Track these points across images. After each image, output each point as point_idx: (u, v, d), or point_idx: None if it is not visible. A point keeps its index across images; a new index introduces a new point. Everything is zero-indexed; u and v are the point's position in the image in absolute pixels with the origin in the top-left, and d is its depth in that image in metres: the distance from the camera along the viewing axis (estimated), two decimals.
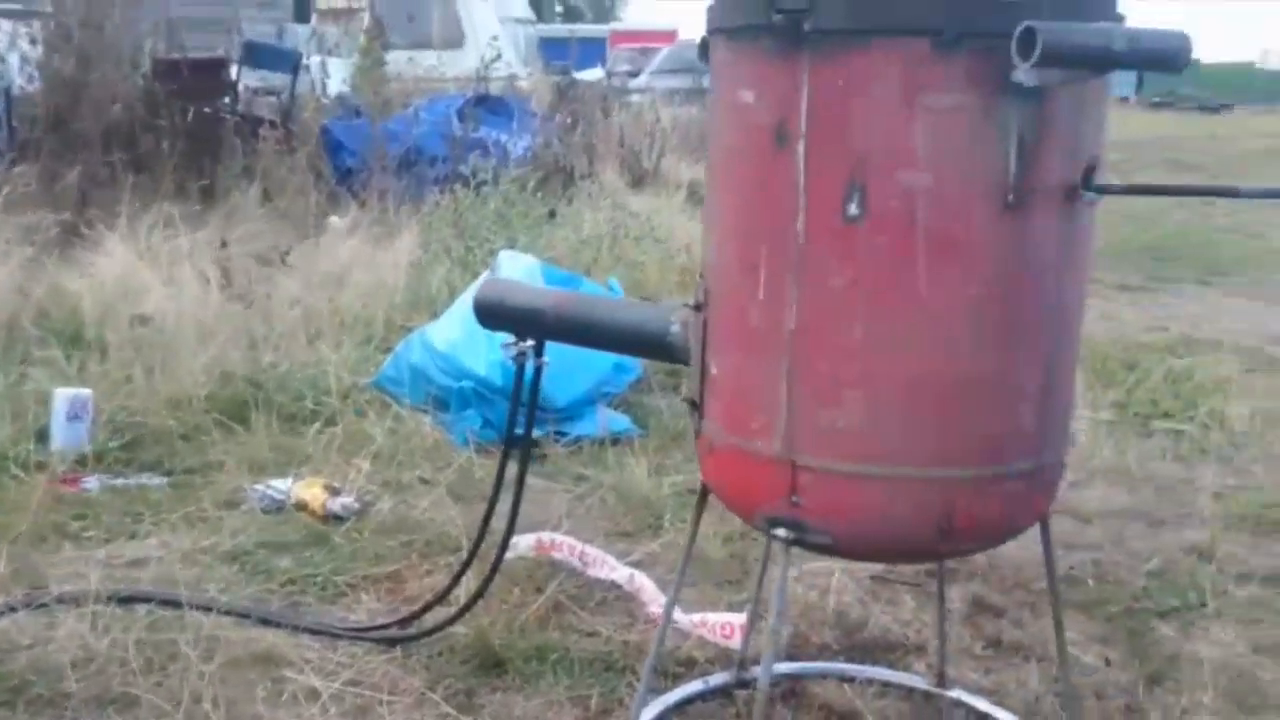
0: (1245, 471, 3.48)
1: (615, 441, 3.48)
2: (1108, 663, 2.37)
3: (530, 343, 2.04)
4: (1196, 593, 2.65)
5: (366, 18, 8.61)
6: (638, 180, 7.82)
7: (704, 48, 1.70)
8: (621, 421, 3.59)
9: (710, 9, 1.63)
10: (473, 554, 2.28)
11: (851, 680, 2.25)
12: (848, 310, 1.52)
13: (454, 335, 3.58)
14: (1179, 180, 12.72)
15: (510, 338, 2.06)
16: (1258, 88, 33.99)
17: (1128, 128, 19.61)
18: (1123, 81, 32.16)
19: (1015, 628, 2.52)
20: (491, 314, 2.03)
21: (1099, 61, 1.37)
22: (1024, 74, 1.38)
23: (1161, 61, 1.39)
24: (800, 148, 1.49)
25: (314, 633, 2.39)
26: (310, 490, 3.01)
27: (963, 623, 2.53)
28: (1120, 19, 1.53)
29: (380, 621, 2.45)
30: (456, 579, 2.35)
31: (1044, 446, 1.63)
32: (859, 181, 1.47)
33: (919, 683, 2.26)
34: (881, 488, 1.56)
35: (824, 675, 2.26)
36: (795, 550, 2.00)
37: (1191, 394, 4.15)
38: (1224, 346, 4.89)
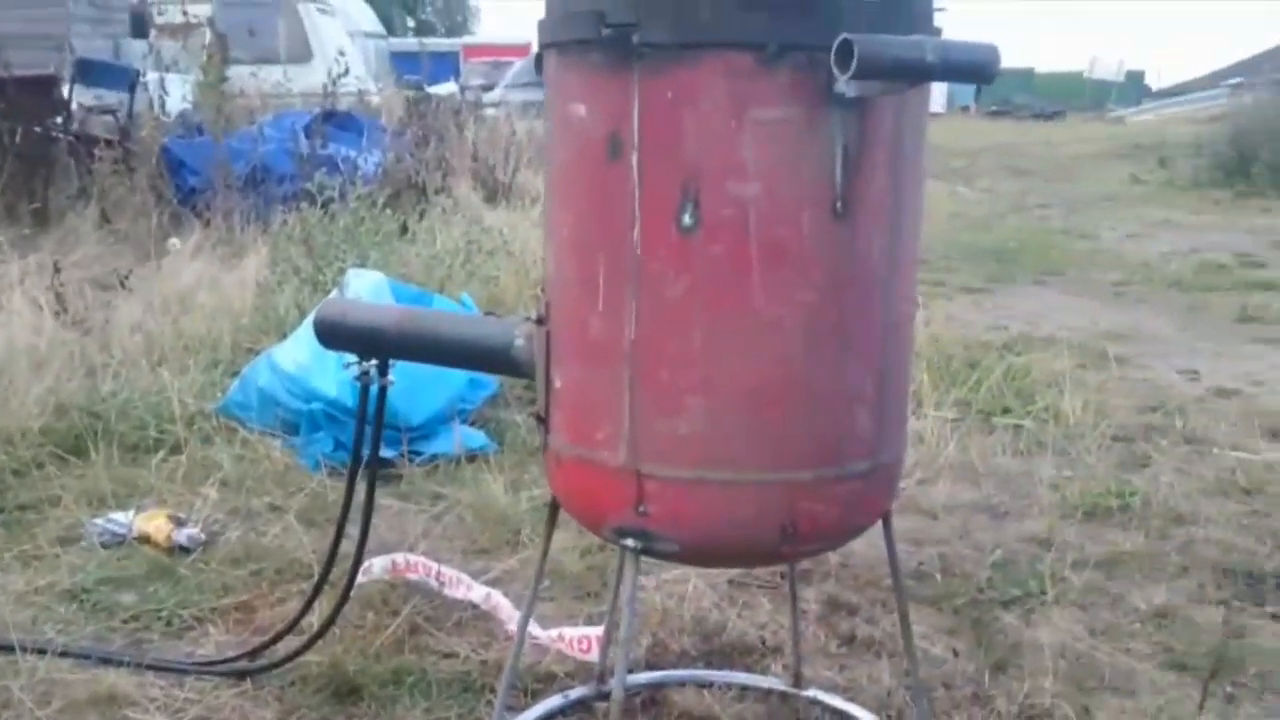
0: (1079, 462, 3.65)
1: (472, 458, 3.44)
2: (955, 654, 2.45)
3: (374, 362, 2.01)
4: (1037, 581, 2.76)
5: (207, 33, 8.34)
6: (493, 195, 7.78)
7: (539, 62, 1.70)
8: (477, 438, 3.56)
9: (541, 24, 1.63)
10: (323, 580, 2.23)
11: (710, 685, 2.28)
12: (686, 319, 1.53)
13: (302, 356, 3.50)
14: (1018, 184, 13.29)
15: (354, 357, 2.03)
16: (1086, 95, 35.70)
17: (969, 135, 20.41)
18: (963, 91, 33.44)
19: (868, 624, 2.58)
20: (333, 334, 1.99)
21: (914, 73, 1.42)
22: (844, 85, 1.42)
23: (972, 73, 1.45)
24: (633, 160, 1.51)
25: (159, 670, 2.30)
26: (154, 522, 2.90)
27: (818, 622, 2.58)
28: (937, 32, 1.59)
29: (229, 654, 2.38)
30: (307, 606, 2.29)
31: (882, 446, 1.67)
32: (692, 192, 1.49)
33: (776, 684, 2.29)
34: (725, 493, 1.58)
35: (682, 682, 2.28)
36: (652, 559, 2.02)
37: (1030, 390, 4.33)
38: (1059, 343, 5.12)
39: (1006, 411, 4.11)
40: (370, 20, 19.38)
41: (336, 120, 7.41)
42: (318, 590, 2.25)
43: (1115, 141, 18.75)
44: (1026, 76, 39.53)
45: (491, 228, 5.97)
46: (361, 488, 2.16)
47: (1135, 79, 40.57)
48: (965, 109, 32.93)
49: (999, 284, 7.12)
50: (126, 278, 4.93)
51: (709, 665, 2.38)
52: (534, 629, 2.39)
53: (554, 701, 2.20)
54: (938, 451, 3.66)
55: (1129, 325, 5.90)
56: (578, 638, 2.32)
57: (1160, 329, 5.85)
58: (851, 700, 2.23)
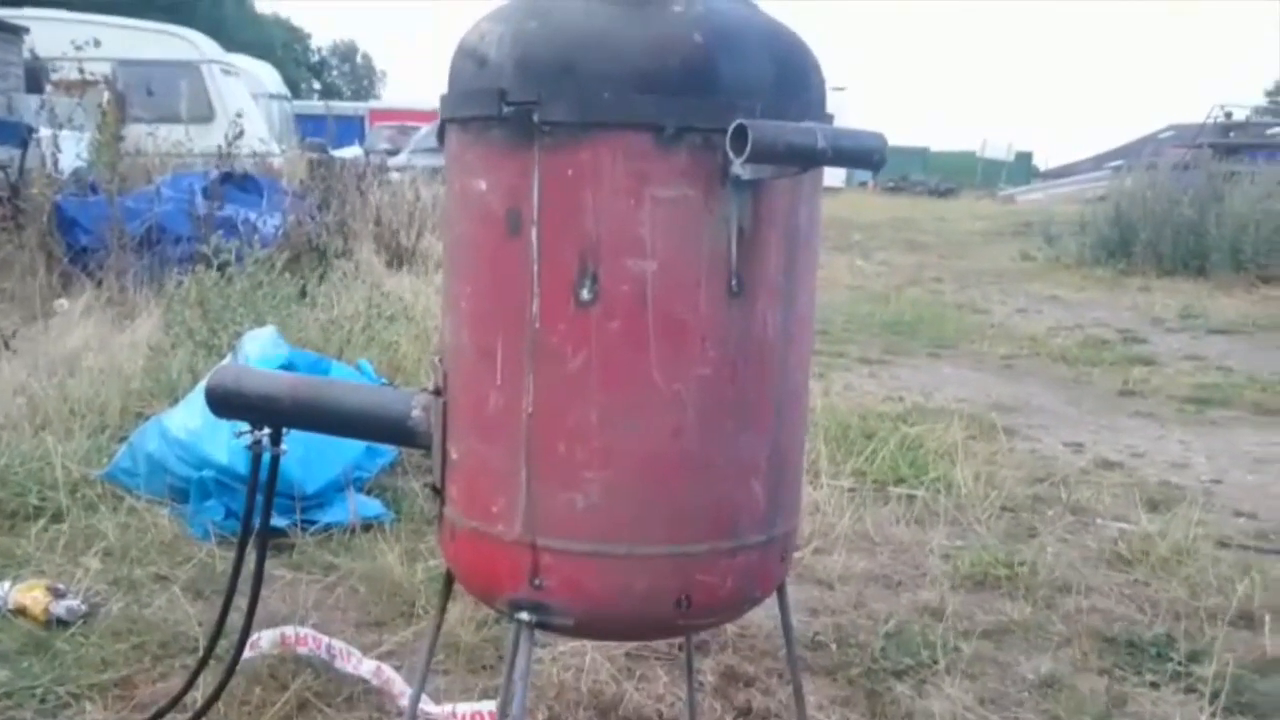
0: (970, 532, 3.73)
1: (367, 528, 3.39)
2: None
3: (267, 430, 1.98)
4: (929, 651, 2.80)
5: (105, 91, 8.20)
6: (396, 259, 7.74)
7: (442, 133, 1.72)
8: (373, 507, 3.50)
9: (443, 98, 1.65)
10: (208, 653, 2.17)
11: None
12: (583, 393, 1.54)
13: (194, 422, 3.42)
14: (915, 258, 13.66)
15: (246, 425, 1.99)
16: (978, 173, 36.98)
17: (868, 210, 20.97)
18: None
19: (764, 695, 2.58)
20: (225, 402, 1.95)
21: (806, 158, 1.46)
22: (739, 168, 1.46)
23: (861, 159, 1.50)
24: (533, 235, 1.52)
25: None
26: (30, 593, 2.79)
27: (714, 694, 2.58)
28: (829, 119, 1.65)
29: None
30: (190, 682, 2.22)
31: (776, 519, 1.69)
32: (590, 268, 1.51)
33: None
34: (620, 566, 1.58)
35: None
36: (548, 633, 2.00)
37: (923, 460, 4.42)
38: (951, 414, 5.24)
39: (901, 481, 4.19)
40: (275, 82, 19.25)
41: (236, 181, 7.32)
42: (202, 665, 2.18)
43: (1006, 219, 19.43)
44: (922, 154, 40.88)
45: (393, 292, 5.93)
46: (251, 558, 2.11)
47: (1024, 159, 42.20)
48: (864, 184, 33.85)
49: (895, 355, 7.28)
50: (11, 338, 4.77)
51: None
52: (427, 705, 2.35)
53: None
54: (834, 521, 3.71)
55: (1018, 397, 6.07)
56: (471, 714, 2.29)
57: (1047, 402, 6.04)
58: None
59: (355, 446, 3.51)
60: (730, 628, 2.87)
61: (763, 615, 2.78)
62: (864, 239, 15.08)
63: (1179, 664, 2.77)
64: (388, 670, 2.47)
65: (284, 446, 2.01)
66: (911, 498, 4.02)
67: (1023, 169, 40.33)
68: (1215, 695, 2.59)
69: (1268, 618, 2.99)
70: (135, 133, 8.23)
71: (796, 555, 3.41)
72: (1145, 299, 10.01)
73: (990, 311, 9.46)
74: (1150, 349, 7.71)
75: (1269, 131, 21.56)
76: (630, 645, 2.75)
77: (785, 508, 1.72)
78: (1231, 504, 4.24)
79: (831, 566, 3.39)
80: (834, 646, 2.85)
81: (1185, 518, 3.81)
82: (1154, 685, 2.69)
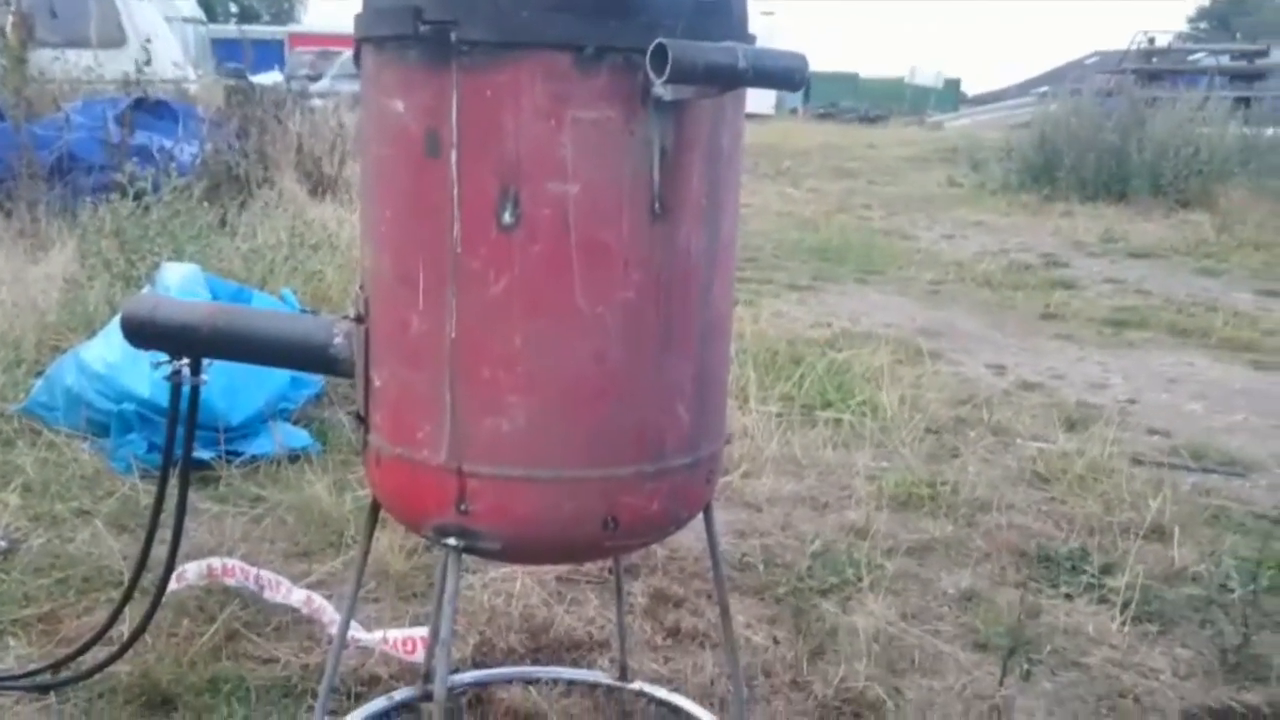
0: (895, 454, 3.80)
1: (294, 459, 3.36)
2: (776, 641, 2.52)
3: (185, 361, 1.94)
4: (854, 569, 2.87)
5: (8, 13, 7.86)
6: (319, 188, 7.58)
7: (358, 54, 1.67)
8: (300, 437, 3.47)
9: (358, 17, 1.61)
10: (131, 586, 2.14)
11: (536, 682, 2.29)
12: (506, 317, 1.53)
13: (112, 355, 3.35)
14: (844, 185, 13.71)
15: (164, 356, 1.95)
16: (907, 100, 37.09)
17: (797, 137, 20.95)
18: (791, 94, 34.36)
19: (693, 616, 2.63)
20: (140, 332, 1.91)
21: (726, 78, 1.45)
22: (660, 89, 1.44)
23: (782, 80, 1.49)
24: (452, 158, 1.50)
25: None
26: None
27: (644, 616, 2.62)
28: (751, 39, 1.63)
29: (31, 667, 2.26)
30: (115, 615, 2.19)
31: (701, 440, 1.71)
32: (512, 190, 1.49)
33: (602, 678, 2.32)
34: (546, 490, 1.59)
35: (509, 680, 2.28)
36: (476, 558, 2.01)
37: (850, 385, 4.49)
38: (878, 339, 5.31)
39: (828, 406, 4.24)
40: (190, 5, 18.61)
41: (150, 108, 7.09)
42: (126, 598, 2.16)
43: (933, 146, 19.54)
44: (851, 81, 40.84)
45: (316, 221, 5.83)
46: (175, 490, 2.09)
47: (952, 86, 42.38)
48: (794, 112, 33.77)
49: (824, 282, 7.34)
50: None
51: (536, 662, 2.39)
52: (358, 631, 2.36)
53: (378, 704, 2.17)
54: (763, 445, 3.76)
55: (943, 322, 6.16)
56: (402, 639, 2.30)
57: (971, 326, 6.14)
58: (676, 691, 2.28)
59: (280, 377, 3.47)
60: (660, 551, 2.91)
61: (692, 538, 2.82)
62: (794, 166, 15.07)
63: (1092, 576, 2.86)
64: (318, 599, 2.47)
65: (204, 377, 1.98)
66: (838, 421, 4.08)
67: (951, 96, 40.52)
68: (1126, 605, 2.68)
69: (1177, 530, 3.10)
70: (41, 57, 7.92)
71: (725, 479, 3.46)
72: (1068, 224, 10.16)
73: (917, 237, 9.56)
74: (1071, 273, 7.86)
75: (1191, 57, 21.87)
76: (561, 570, 2.77)
77: (710, 430, 1.73)
78: (1146, 422, 4.36)
79: (760, 490, 3.44)
80: (761, 567, 2.90)
81: (1101, 436, 3.92)
82: (1068, 597, 2.78)
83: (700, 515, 1.84)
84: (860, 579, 2.82)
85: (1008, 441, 3.99)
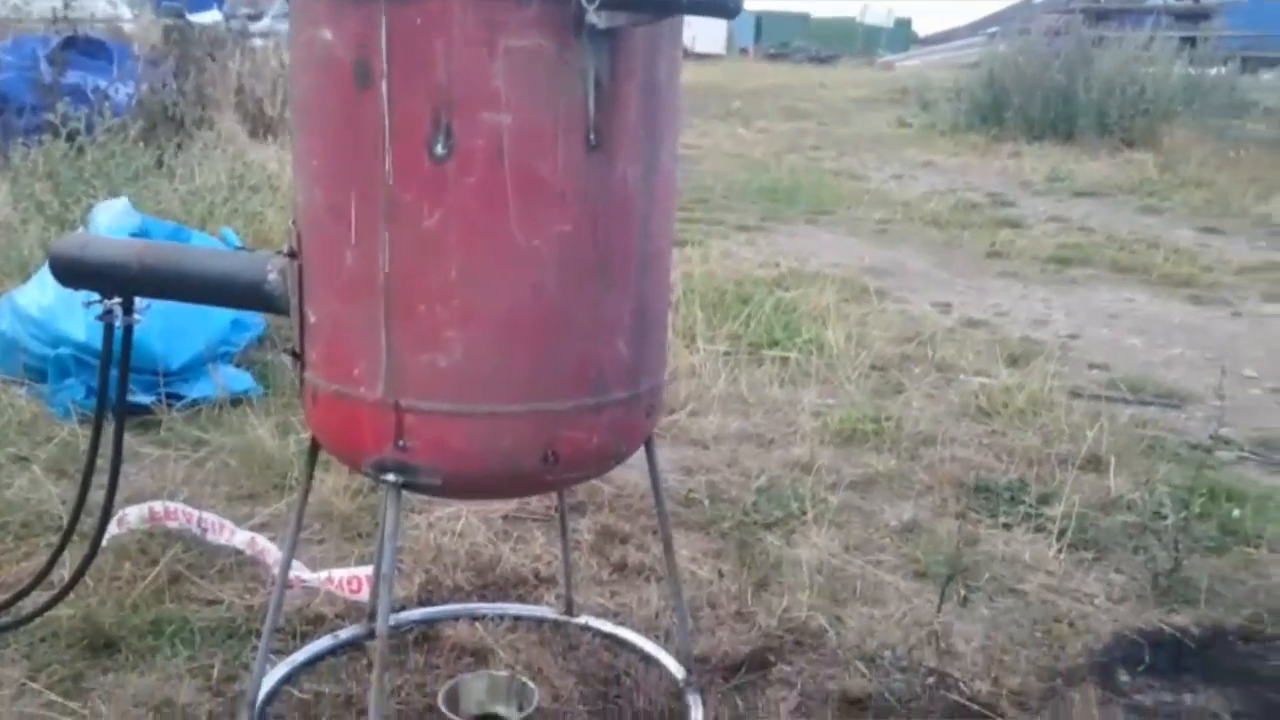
0: (840, 390, 3.83)
1: (236, 402, 3.33)
2: (720, 574, 2.55)
3: (117, 300, 1.91)
4: (798, 503, 2.90)
5: None
6: (260, 129, 7.44)
7: None
8: (242, 380, 3.43)
9: None
10: (69, 530, 2.12)
11: (483, 618, 2.30)
12: (441, 251, 1.52)
13: (47, 299, 3.29)
14: (794, 125, 13.68)
15: (96, 295, 1.92)
16: (859, 40, 36.91)
17: (748, 77, 20.82)
18: (742, 32, 34.05)
19: (639, 551, 2.65)
20: (70, 271, 1.87)
21: (659, 5, 1.44)
22: (593, 16, 1.43)
23: (715, 7, 1.47)
24: (383, 88, 1.47)
25: None
26: None
27: (590, 552, 2.63)
28: None
29: None
30: (53, 559, 2.17)
31: (641, 374, 1.71)
32: (444, 121, 1.47)
33: (549, 613, 2.34)
34: (485, 425, 1.59)
35: (455, 617, 2.29)
36: (418, 495, 2.01)
37: (797, 323, 4.51)
38: (825, 279, 5.34)
39: (775, 344, 4.26)
40: None
41: (83, 47, 6.89)
42: (64, 541, 2.14)
43: (884, 86, 19.51)
44: (803, 21, 40.57)
45: (257, 163, 5.72)
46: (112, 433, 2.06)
47: (903, 26, 42.20)
48: (744, 51, 33.54)
49: (773, 222, 7.34)
50: None
51: (483, 599, 2.40)
52: (302, 571, 2.35)
53: (323, 643, 2.17)
54: (710, 384, 3.78)
55: (890, 261, 6.20)
56: (347, 578, 2.30)
57: (918, 265, 6.18)
58: (622, 624, 2.30)
59: (220, 320, 3.43)
60: (607, 488, 2.92)
61: (638, 475, 2.83)
62: (744, 106, 14.99)
63: (1030, 506, 2.92)
64: (262, 541, 2.46)
65: (137, 316, 1.94)
66: (785, 359, 4.10)
67: (902, 35, 40.37)
68: (1062, 533, 2.74)
69: (1113, 460, 3.16)
70: None
71: (672, 417, 3.48)
72: (1015, 163, 10.22)
73: (867, 178, 9.57)
74: (1018, 212, 7.91)
75: None
76: (507, 508, 2.78)
77: (650, 364, 1.73)
78: (1086, 357, 4.43)
79: (706, 427, 3.46)
80: (707, 502, 2.92)
81: (1042, 371, 3.98)
82: (1006, 526, 2.84)
83: (642, 450, 1.86)
84: (804, 513, 2.85)
85: (951, 377, 4.04)
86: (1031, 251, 6.51)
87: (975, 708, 2.07)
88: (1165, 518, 2.75)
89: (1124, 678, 2.21)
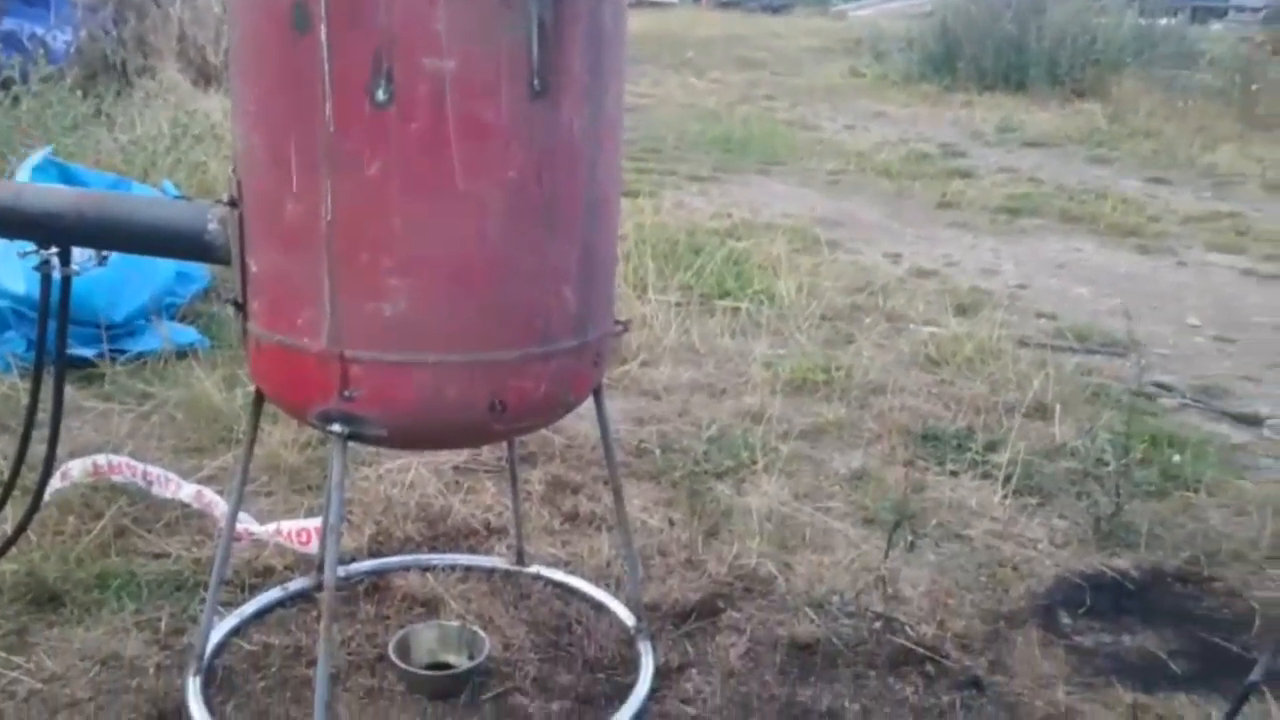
0: (791, 340, 3.85)
1: (182, 355, 3.28)
2: (671, 523, 2.57)
3: (54, 250, 1.86)
4: (748, 452, 2.92)
5: None
6: (204, 78, 7.28)
7: None
8: (187, 334, 3.39)
9: None
10: (9, 484, 2.08)
11: (433, 569, 2.30)
12: (384, 199, 1.50)
13: None
14: (747, 75, 13.60)
15: (32, 246, 1.87)
16: None
17: (701, 27, 20.65)
18: None
19: (590, 501, 2.65)
20: (4, 220, 1.82)
21: None
22: None
23: None
24: (322, 32, 1.44)
25: None
26: None
27: (541, 502, 2.64)
28: None
29: None
30: None
31: (588, 323, 1.70)
32: (385, 66, 1.45)
33: (499, 564, 2.34)
34: (431, 374, 1.58)
35: (406, 568, 2.29)
36: (366, 447, 2.00)
37: (748, 274, 4.51)
38: (777, 229, 5.34)
39: (726, 295, 4.27)
40: None
41: None
42: (5, 496, 2.10)
43: (837, 36, 19.41)
44: None
45: (200, 112, 5.61)
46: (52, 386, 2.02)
47: None
48: (697, 1, 33.26)
49: (726, 173, 7.32)
50: None
51: (434, 550, 2.40)
52: (251, 524, 2.34)
53: (273, 594, 2.17)
54: (661, 334, 3.78)
55: (842, 212, 6.21)
56: (295, 530, 2.29)
57: (869, 215, 6.19)
58: (573, 573, 2.31)
59: (164, 273, 3.37)
60: (557, 439, 2.92)
61: (589, 426, 2.84)
62: (697, 56, 14.88)
63: (977, 454, 2.95)
64: (209, 494, 2.44)
65: (75, 267, 1.90)
66: (736, 310, 4.11)
67: None
68: (1008, 479, 2.78)
69: (1058, 408, 3.21)
70: None
71: (624, 368, 3.48)
72: (967, 114, 10.24)
73: (820, 128, 9.55)
74: (969, 162, 7.94)
75: None
76: (457, 459, 2.77)
77: (597, 312, 1.73)
78: (1034, 306, 4.48)
79: (658, 378, 3.47)
80: (659, 452, 2.93)
81: (990, 320, 4.02)
82: (954, 473, 2.87)
83: (592, 400, 1.86)
84: (755, 462, 2.87)
85: (901, 327, 4.07)
86: (982, 202, 6.55)
87: (921, 651, 2.10)
88: (1107, 464, 2.80)
89: (1065, 620, 2.26)
